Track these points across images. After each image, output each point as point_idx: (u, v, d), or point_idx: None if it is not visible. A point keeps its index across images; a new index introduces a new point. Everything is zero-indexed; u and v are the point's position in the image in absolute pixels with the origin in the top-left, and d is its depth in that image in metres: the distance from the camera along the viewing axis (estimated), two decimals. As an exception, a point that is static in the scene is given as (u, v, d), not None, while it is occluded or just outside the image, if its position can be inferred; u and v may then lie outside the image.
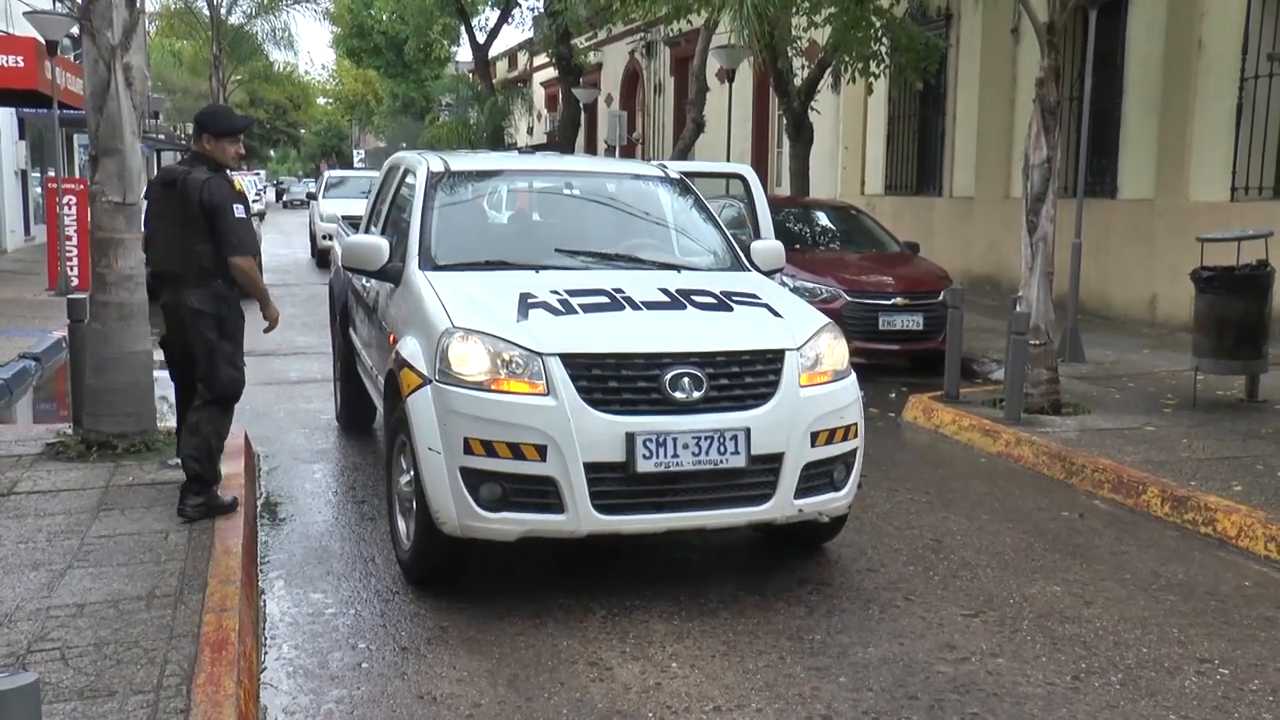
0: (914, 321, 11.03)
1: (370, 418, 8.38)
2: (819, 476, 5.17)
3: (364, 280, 6.92)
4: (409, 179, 6.79)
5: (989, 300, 15.23)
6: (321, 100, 72.45)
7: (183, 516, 5.77)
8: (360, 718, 4.04)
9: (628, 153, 29.92)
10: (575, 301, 5.24)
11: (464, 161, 6.78)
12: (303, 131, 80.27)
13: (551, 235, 6.32)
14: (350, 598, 5.19)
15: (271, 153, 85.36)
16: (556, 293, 5.32)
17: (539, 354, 4.85)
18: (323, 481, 7.11)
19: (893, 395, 9.97)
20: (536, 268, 5.78)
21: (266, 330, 6.33)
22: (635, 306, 5.28)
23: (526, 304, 5.19)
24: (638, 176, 7.00)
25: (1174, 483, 6.72)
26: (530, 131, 41.71)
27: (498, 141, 33.59)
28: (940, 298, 10.97)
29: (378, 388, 6.58)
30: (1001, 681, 4.37)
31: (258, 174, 53.83)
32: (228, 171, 6.00)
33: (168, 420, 7.75)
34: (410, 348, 5.27)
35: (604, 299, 5.32)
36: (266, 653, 4.61)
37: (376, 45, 45.73)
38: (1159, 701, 4.23)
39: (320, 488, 6.98)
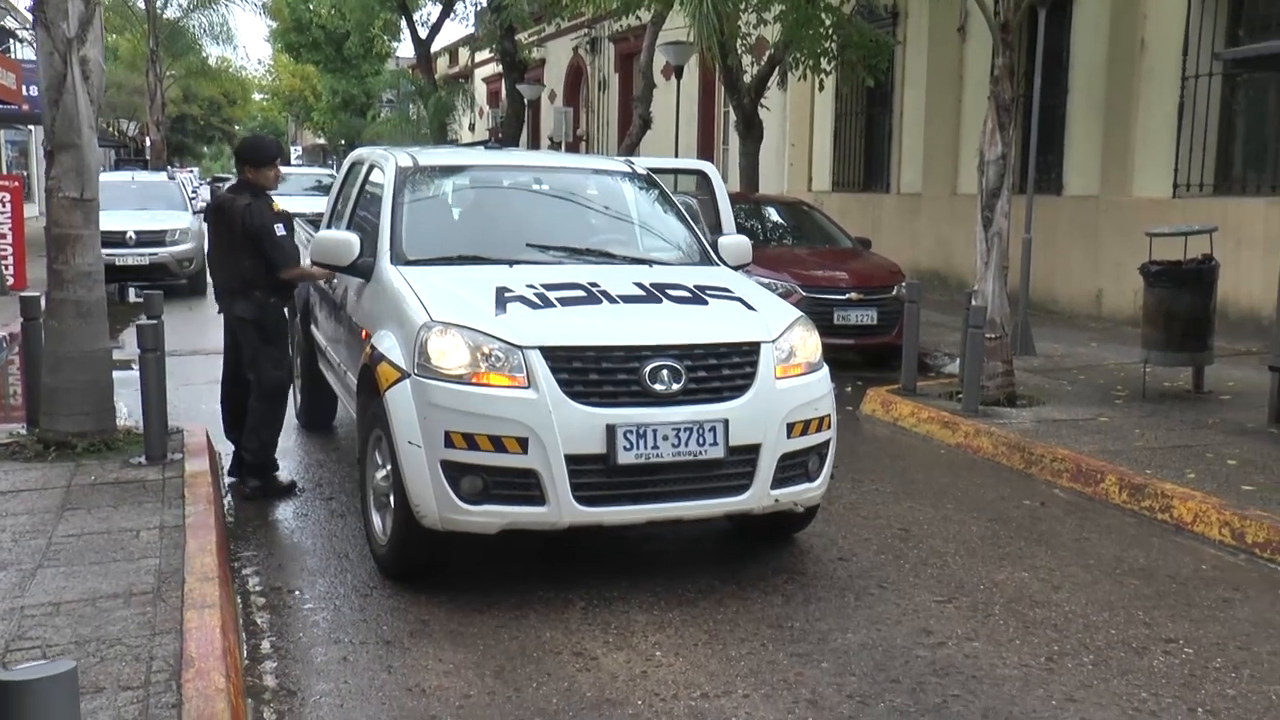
0: (868, 316, 11.17)
1: (331, 415, 8.33)
2: (795, 467, 5.24)
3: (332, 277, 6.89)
4: (375, 174, 6.77)
5: (937, 296, 15.43)
6: (258, 96, 71.41)
7: (242, 495, 6.71)
8: (351, 710, 4.04)
9: (573, 149, 29.87)
10: (552, 295, 5.26)
11: (432, 157, 6.77)
12: (237, 128, 79.17)
13: (522, 230, 6.32)
14: (327, 593, 5.17)
15: (205, 149, 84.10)
16: (533, 286, 5.35)
17: (519, 347, 4.87)
18: (288, 480, 7.04)
19: (849, 389, 10.08)
20: (510, 262, 5.79)
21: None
22: (612, 300, 5.31)
23: (504, 298, 5.21)
24: (606, 172, 7.03)
25: (1131, 471, 6.89)
26: (472, 128, 41.51)
27: (441, 137, 33.41)
28: (893, 292, 11.14)
29: (346, 384, 6.56)
30: (979, 664, 4.47)
31: (191, 171, 52.97)
32: (268, 193, 6.80)
33: (127, 420, 7.67)
34: (387, 342, 5.26)
35: (580, 293, 5.35)
36: (248, 649, 4.59)
37: (315, 40, 45.12)
38: (1130, 680, 4.35)
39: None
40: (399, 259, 5.82)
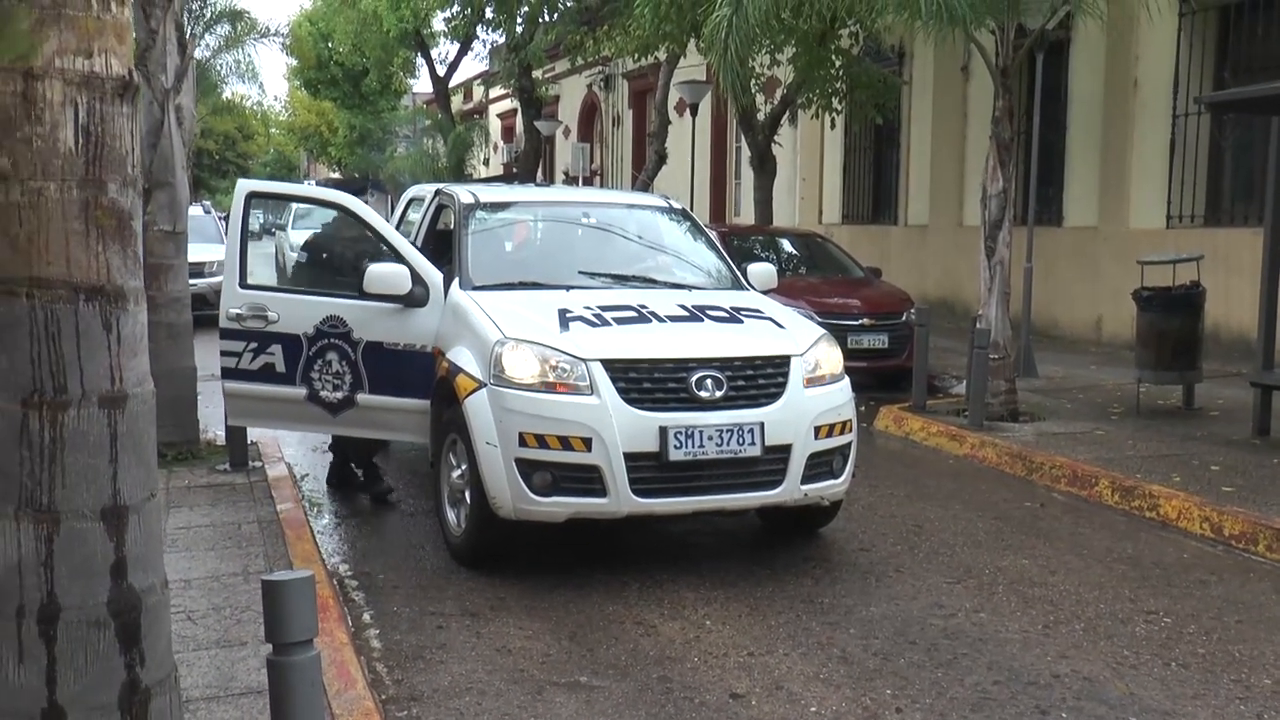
0: (880, 341, 11.87)
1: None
2: (821, 465, 5.96)
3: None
4: (439, 210, 7.55)
5: (945, 323, 16.14)
6: (274, 130, 72.51)
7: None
8: (451, 664, 4.75)
9: (588, 183, 30.71)
10: (608, 315, 6.01)
11: (492, 193, 7.53)
12: (251, 162, 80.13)
13: (573, 259, 7.07)
14: (412, 578, 5.88)
15: (222, 182, 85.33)
16: (589, 308, 6.09)
17: (583, 360, 5.61)
18: (352, 490, 7.75)
19: (863, 408, 10.73)
20: (566, 287, 6.54)
21: None
22: (660, 320, 6.06)
23: (565, 318, 5.95)
24: (645, 207, 7.81)
25: (1122, 475, 7.60)
26: (487, 163, 42.40)
27: (459, 173, 34.27)
28: (903, 318, 11.84)
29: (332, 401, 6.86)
30: (985, 630, 5.18)
31: (205, 204, 53.84)
32: None
33: (208, 433, 8.41)
34: (463, 357, 5.98)
35: (632, 313, 6.10)
36: (350, 619, 5.29)
37: (334, 77, 46.24)
38: (1115, 643, 5.05)
39: (352, 495, 7.58)
40: (467, 284, 6.54)
